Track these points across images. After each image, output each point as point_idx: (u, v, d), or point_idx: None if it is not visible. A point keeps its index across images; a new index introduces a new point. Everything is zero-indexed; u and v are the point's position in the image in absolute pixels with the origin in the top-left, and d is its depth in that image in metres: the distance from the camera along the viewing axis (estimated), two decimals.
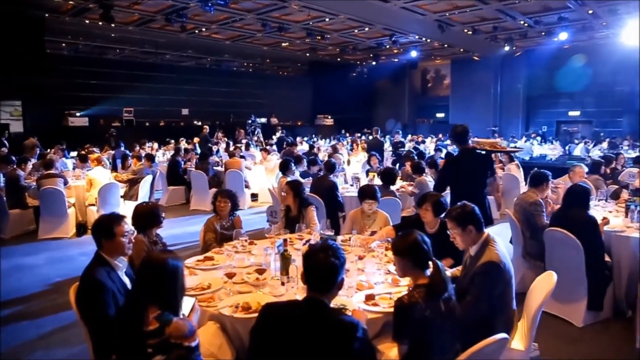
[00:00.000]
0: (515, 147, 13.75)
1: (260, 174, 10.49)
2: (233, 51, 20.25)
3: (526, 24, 15.46)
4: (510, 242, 5.28)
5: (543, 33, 16.58)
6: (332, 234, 3.83)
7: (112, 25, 13.50)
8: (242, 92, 24.62)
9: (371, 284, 3.10)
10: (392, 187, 6.23)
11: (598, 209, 5.42)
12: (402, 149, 12.33)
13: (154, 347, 2.13)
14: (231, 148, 12.84)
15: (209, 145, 13.93)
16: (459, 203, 3.12)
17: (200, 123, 20.34)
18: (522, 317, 3.11)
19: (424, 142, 16.53)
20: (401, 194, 6.54)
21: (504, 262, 2.85)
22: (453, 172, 5.22)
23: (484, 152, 5.28)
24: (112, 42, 17.92)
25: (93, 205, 7.41)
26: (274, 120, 22.77)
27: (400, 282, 3.07)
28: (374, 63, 22.83)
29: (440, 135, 18.90)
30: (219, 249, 3.91)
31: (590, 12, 13.95)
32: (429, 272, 2.49)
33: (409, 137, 18.89)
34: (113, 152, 12.31)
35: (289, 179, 6.02)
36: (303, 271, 2.25)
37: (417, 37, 17.33)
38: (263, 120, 22.56)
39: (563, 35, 15.48)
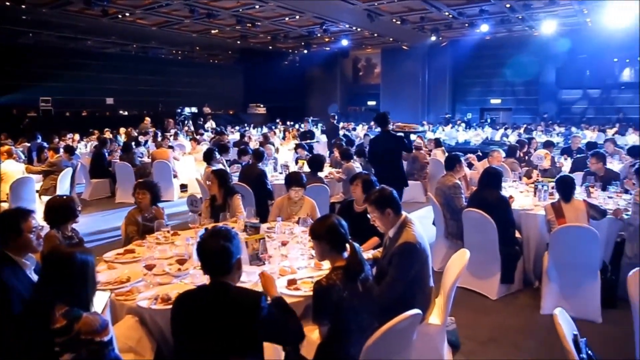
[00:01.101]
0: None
1: (190, 164, 10.23)
2: (160, 38, 19.46)
3: (451, 15, 16.05)
4: (433, 223, 5.53)
5: (466, 24, 17.30)
6: (257, 221, 3.82)
7: (23, 6, 12.51)
8: (172, 81, 23.81)
9: (294, 269, 3.14)
10: (320, 174, 6.30)
11: (512, 190, 5.80)
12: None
13: (61, 345, 2.04)
14: (159, 138, 12.39)
15: (139, 136, 13.35)
16: (377, 187, 3.22)
17: (127, 113, 19.47)
18: (439, 294, 3.27)
19: (354, 129, 16.80)
20: (329, 180, 6.64)
21: (420, 242, 2.98)
22: (377, 149, 6.42)
23: (400, 134, 6.44)
24: (24, 25, 16.59)
25: (4, 201, 6.90)
26: (206, 110, 22.23)
27: (322, 266, 3.12)
28: (305, 51, 22.84)
29: (372, 123, 19.26)
30: (141, 242, 3.79)
31: (508, 6, 14.73)
32: (346, 254, 2.56)
33: (341, 124, 19.14)
34: (29, 144, 11.50)
35: (213, 168, 5.93)
36: (199, 259, 2.28)
37: (347, 26, 17.51)
38: (194, 109, 21.97)
39: (484, 27, 16.26)
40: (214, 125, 18.70)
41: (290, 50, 24.15)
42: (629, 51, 18.17)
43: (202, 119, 20.27)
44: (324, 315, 2.42)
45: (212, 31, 18.41)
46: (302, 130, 14.26)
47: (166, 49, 22.60)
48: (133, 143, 10.64)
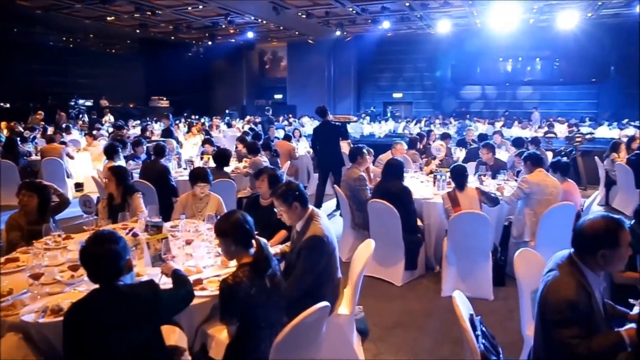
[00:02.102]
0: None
1: (85, 161, 9.50)
2: (47, 22, 17.76)
3: (354, 11, 16.45)
4: (340, 215, 5.64)
5: (369, 21, 17.83)
6: (159, 220, 3.63)
7: None
8: (63, 70, 21.84)
9: (200, 269, 3.02)
10: (226, 169, 6.16)
11: (413, 180, 6.09)
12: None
13: None
14: (49, 132, 11.34)
15: (26, 131, 12.07)
16: (284, 181, 3.19)
17: (8, 105, 17.55)
18: (347, 284, 3.33)
19: (261, 123, 16.64)
20: (236, 175, 6.52)
21: (327, 235, 3.01)
22: (319, 136, 7.54)
23: (338, 123, 8.05)
24: None
25: None
26: (103, 102, 20.75)
27: (229, 264, 3.04)
28: (210, 43, 22.14)
29: (281, 118, 19.26)
30: (26, 248, 3.43)
31: (407, 4, 15.42)
32: (253, 250, 2.51)
33: (247, 118, 18.90)
34: None
35: (115, 164, 5.54)
36: (82, 267, 2.19)
37: (253, 18, 17.26)
38: (90, 102, 20.41)
39: (386, 24, 16.87)
40: (112, 119, 17.51)
41: (194, 42, 23.31)
42: (511, 51, 19.92)
43: (96, 113, 18.87)
44: (232, 314, 2.36)
45: (108, 18, 17.20)
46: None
47: (54, 35, 20.69)
48: (18, 139, 9.63)
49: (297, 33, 20.69)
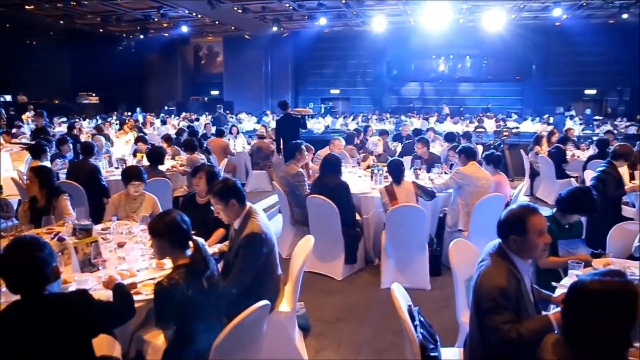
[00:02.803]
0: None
1: (5, 161, 8.81)
2: None
3: (291, 7, 16.40)
4: (279, 211, 5.61)
5: (306, 17, 17.84)
6: (89, 223, 3.43)
7: None
8: None
9: (133, 272, 2.88)
10: (161, 167, 5.94)
11: (351, 175, 6.16)
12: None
13: None
14: None
15: None
16: (221, 178, 3.12)
17: None
18: (288, 281, 3.32)
19: (197, 119, 16.23)
20: (171, 173, 6.31)
21: (265, 232, 2.97)
22: (282, 127, 8.74)
23: (298, 116, 9.16)
24: None
25: None
26: (22, 98, 19.31)
27: (165, 265, 2.93)
28: (142, 37, 21.26)
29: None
30: None
31: (344, 1, 15.57)
32: (189, 251, 2.43)
33: (183, 114, 18.37)
34: None
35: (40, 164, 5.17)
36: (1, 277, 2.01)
37: (187, 11, 16.76)
38: (8, 97, 18.95)
39: (323, 20, 16.95)
40: (31, 115, 16.32)
41: (124, 35, 22.28)
42: (444, 49, 20.70)
43: (14, 109, 17.53)
44: (168, 318, 2.28)
45: (26, 7, 16.02)
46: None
47: None
48: None
49: (233, 28, 20.34)
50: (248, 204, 3.08)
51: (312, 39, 21.19)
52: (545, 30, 18.77)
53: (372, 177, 5.68)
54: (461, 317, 3.01)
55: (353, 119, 17.48)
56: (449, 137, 8.02)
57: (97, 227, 3.70)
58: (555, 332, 1.91)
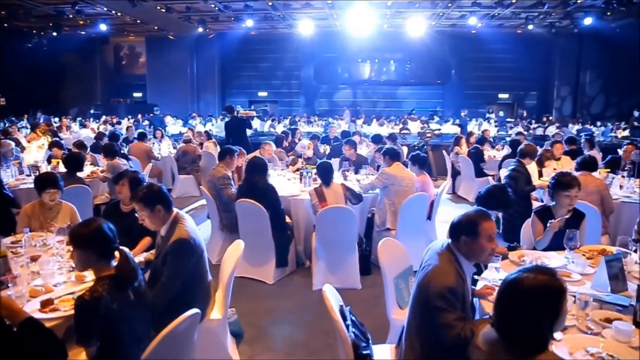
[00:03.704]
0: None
1: None
2: None
3: (217, 8, 16.08)
4: (208, 217, 5.49)
5: (232, 18, 17.57)
6: None
7: None
8: None
9: (50, 287, 2.69)
10: (80, 174, 5.60)
11: (280, 178, 6.16)
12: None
13: None
14: None
15: None
16: (145, 184, 3.00)
17: None
18: (218, 287, 3.25)
19: (119, 123, 15.45)
20: (91, 180, 5.97)
21: (193, 237, 2.89)
22: (230, 128, 9.36)
23: (244, 117, 9.76)
24: None
25: None
26: None
27: (86, 278, 2.77)
28: (55, 34, 19.86)
29: (140, 116, 18.09)
30: None
31: (270, 3, 15.52)
32: (114, 262, 2.30)
33: (103, 118, 17.44)
34: None
35: None
36: None
37: (105, 9, 15.91)
38: None
39: (249, 22, 16.77)
40: None
41: (35, 31, 20.70)
42: (369, 53, 21.27)
43: None
44: (91, 334, 2.14)
45: None
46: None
47: None
48: None
49: (156, 28, 19.58)
50: (175, 209, 2.99)
51: (239, 41, 20.94)
52: (463, 37, 19.88)
53: (301, 179, 5.71)
54: (392, 314, 3.09)
55: (280, 122, 17.47)
56: (376, 139, 8.25)
57: (6, 241, 3.42)
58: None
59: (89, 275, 2.75)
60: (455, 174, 9.07)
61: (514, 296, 1.70)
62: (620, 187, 5.63)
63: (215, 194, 5.14)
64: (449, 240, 2.38)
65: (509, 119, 19.11)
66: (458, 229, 2.33)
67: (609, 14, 14.86)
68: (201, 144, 9.70)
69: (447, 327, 2.15)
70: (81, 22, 18.19)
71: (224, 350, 3.14)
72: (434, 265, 2.29)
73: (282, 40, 20.91)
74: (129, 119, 17.15)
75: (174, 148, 9.73)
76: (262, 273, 4.81)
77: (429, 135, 10.67)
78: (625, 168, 6.53)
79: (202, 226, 6.09)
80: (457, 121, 16.88)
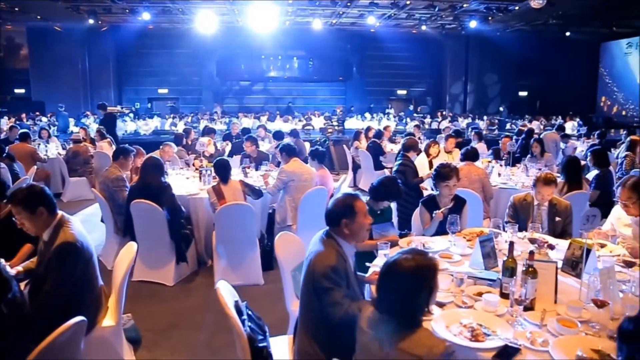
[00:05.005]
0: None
1: None
2: None
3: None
4: (102, 220, 5.20)
5: (127, 10, 16.61)
6: None
7: None
8: None
9: None
10: None
11: (179, 177, 6.00)
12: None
13: None
14: None
15: None
16: (25, 185, 2.78)
17: None
18: (112, 293, 3.11)
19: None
20: None
21: (80, 241, 2.74)
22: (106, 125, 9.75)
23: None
24: None
25: None
26: None
27: None
28: None
29: (24, 115, 16.53)
30: None
31: None
32: None
33: None
34: None
35: None
36: None
37: None
38: None
39: (146, 15, 15.96)
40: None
41: None
42: (272, 49, 21.25)
43: None
44: None
45: None
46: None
47: None
48: None
49: (39, 17, 17.95)
50: (60, 212, 2.81)
51: (136, 35, 19.85)
52: (363, 36, 20.62)
53: (200, 177, 5.60)
54: (290, 306, 3.17)
55: (181, 119, 16.90)
56: (277, 135, 8.31)
57: None
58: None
59: None
60: (356, 167, 9.42)
61: (393, 275, 1.87)
62: (499, 174, 6.23)
63: (109, 197, 4.88)
64: (328, 228, 2.56)
65: (401, 113, 20.16)
66: (336, 214, 2.53)
67: (490, 19, 16.25)
68: (92, 141, 9.13)
69: (334, 305, 2.30)
70: None
71: (118, 358, 3.02)
72: (317, 251, 2.47)
73: (182, 35, 20.18)
74: (9, 118, 15.58)
75: (63, 149, 9.04)
76: (161, 275, 4.66)
77: (330, 130, 10.97)
78: (503, 157, 7.22)
79: (97, 230, 5.72)
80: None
